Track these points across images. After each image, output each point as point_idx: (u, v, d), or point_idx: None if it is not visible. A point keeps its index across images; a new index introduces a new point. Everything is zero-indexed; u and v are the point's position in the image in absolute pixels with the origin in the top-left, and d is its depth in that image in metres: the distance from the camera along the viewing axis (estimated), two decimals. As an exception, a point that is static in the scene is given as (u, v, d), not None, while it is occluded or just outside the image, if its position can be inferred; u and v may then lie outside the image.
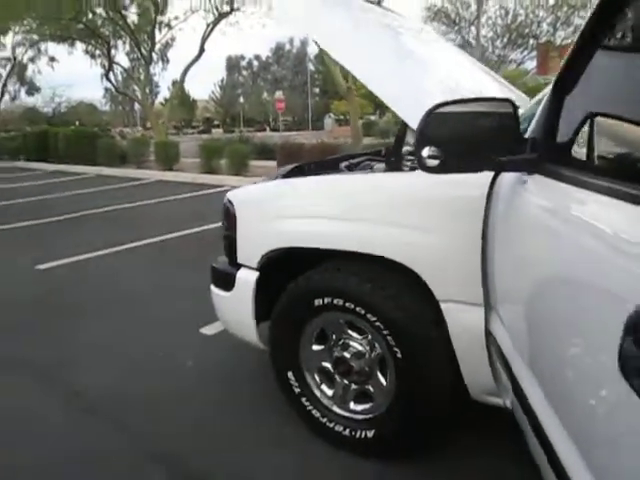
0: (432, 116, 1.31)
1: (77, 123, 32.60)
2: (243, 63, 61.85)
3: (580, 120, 1.22)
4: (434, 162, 1.31)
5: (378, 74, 2.00)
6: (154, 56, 23.95)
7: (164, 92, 42.57)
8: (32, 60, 31.27)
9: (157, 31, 21.07)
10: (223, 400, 2.57)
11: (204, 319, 3.28)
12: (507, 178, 1.52)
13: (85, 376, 2.84)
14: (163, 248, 5.74)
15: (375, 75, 1.99)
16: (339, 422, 2.12)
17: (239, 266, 2.34)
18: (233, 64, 61.36)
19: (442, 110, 1.32)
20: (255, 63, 61.72)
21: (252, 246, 2.27)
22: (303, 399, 2.20)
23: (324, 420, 2.15)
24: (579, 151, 1.24)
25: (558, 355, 1.10)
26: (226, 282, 2.38)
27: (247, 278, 2.28)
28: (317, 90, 57.29)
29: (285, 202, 2.26)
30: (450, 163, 1.32)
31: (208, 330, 3.30)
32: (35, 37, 25.29)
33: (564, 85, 1.26)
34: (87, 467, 2.12)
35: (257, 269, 2.25)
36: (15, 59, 31.10)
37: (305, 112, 54.04)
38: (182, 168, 12.87)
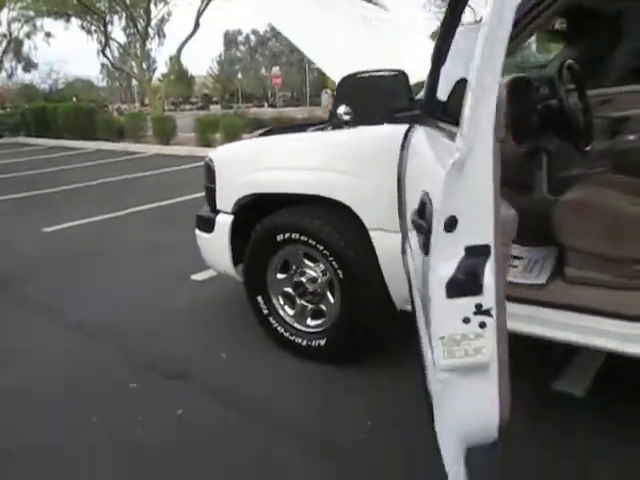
0: (345, 81, 1.79)
1: (74, 99, 32.64)
2: (240, 38, 61.22)
3: (449, 84, 1.69)
4: (347, 117, 1.79)
5: (307, 33, 2.43)
6: (150, 31, 24.16)
7: (162, 68, 42.46)
8: (28, 36, 31.38)
9: (153, 6, 21.29)
10: (208, 324, 3.11)
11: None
12: (414, 131, 1.99)
13: (85, 311, 3.37)
14: (157, 213, 6.24)
15: (305, 34, 2.42)
16: (299, 335, 2.64)
17: (218, 212, 2.84)
18: (230, 39, 60.72)
19: (354, 77, 1.79)
20: (253, 38, 61.18)
21: (227, 194, 2.77)
22: (270, 318, 2.71)
23: (287, 335, 2.67)
24: (447, 107, 1.71)
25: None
26: (208, 225, 2.89)
27: (224, 221, 2.78)
28: (316, 65, 56.92)
29: (250, 157, 2.76)
30: (359, 118, 1.79)
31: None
32: (31, 13, 25.39)
33: (438, 57, 1.72)
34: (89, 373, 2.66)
35: (232, 213, 2.76)
36: (11, 35, 31.18)
37: (303, 88, 53.88)
38: (179, 142, 13.26)
